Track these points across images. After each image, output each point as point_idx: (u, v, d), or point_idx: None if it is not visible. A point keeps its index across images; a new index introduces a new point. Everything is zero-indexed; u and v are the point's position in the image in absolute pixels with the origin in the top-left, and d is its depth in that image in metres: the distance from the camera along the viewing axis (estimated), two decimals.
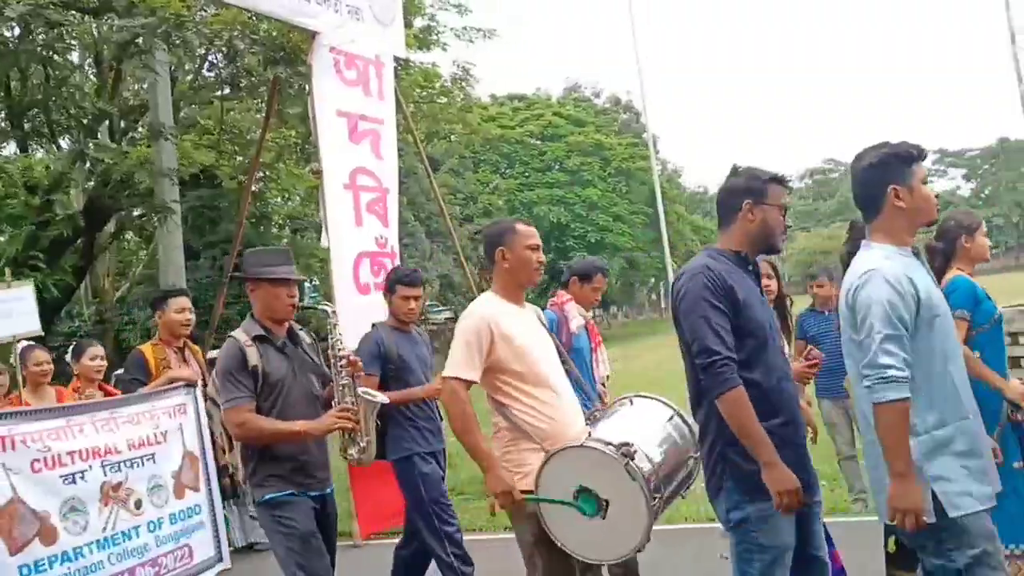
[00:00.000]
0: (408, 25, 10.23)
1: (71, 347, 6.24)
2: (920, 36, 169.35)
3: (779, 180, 3.23)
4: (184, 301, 5.65)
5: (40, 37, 7.84)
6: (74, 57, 12.08)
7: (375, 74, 7.33)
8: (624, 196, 44.48)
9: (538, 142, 44.67)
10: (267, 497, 3.75)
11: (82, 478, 4.43)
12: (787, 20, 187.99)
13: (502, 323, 3.48)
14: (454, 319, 35.32)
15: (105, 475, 4.54)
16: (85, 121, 10.51)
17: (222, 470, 5.48)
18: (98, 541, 4.45)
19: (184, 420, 5.10)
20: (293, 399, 3.82)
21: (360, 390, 3.93)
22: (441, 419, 4.92)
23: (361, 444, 3.89)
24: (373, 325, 4.81)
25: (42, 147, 13.32)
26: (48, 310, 12.63)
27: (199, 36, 8.08)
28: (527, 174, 43.86)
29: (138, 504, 4.68)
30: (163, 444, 4.90)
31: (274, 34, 9.66)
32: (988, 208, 75.25)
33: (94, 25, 11.54)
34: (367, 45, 7.26)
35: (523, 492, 3.31)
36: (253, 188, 10.26)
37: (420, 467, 4.66)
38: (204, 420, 5.20)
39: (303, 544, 3.71)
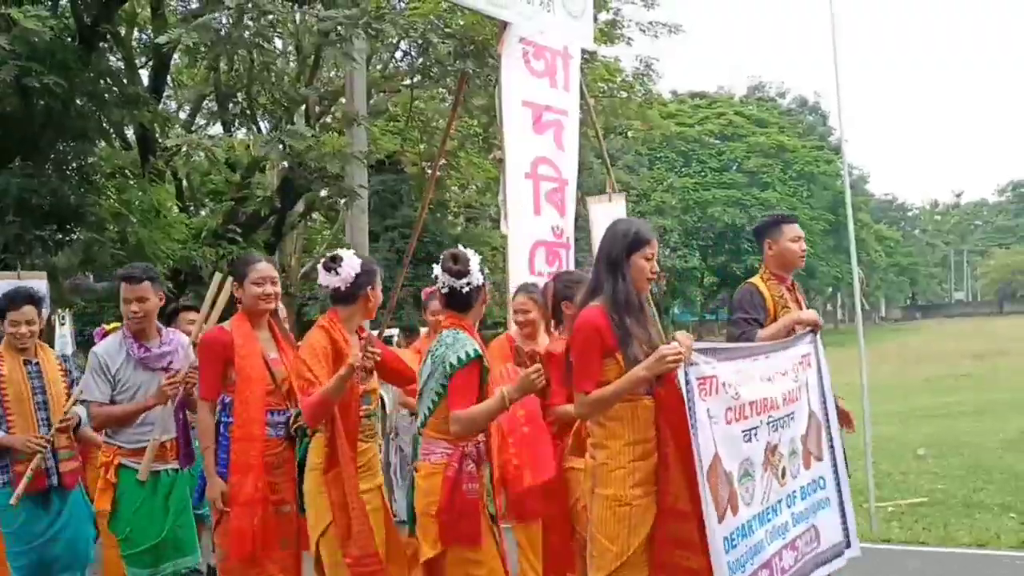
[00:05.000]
0: (593, 19, 10.24)
1: None
2: None
3: None
4: (797, 229, 4.71)
5: (251, 25, 8.34)
6: (278, 44, 12.80)
7: (562, 66, 7.38)
8: (805, 201, 42.95)
9: (717, 141, 43.80)
10: None
11: (755, 436, 3.68)
12: (992, 18, 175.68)
13: None
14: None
15: (768, 435, 3.75)
16: (285, 104, 11.14)
17: None
18: (758, 515, 3.66)
19: (810, 375, 4.23)
20: None
21: None
22: None
23: None
24: None
25: (244, 126, 14.19)
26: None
27: (395, 27, 8.40)
28: (703, 173, 43.09)
29: (782, 473, 3.84)
30: (798, 402, 4.05)
31: (464, 27, 9.93)
32: None
33: (298, 14, 12.19)
34: (556, 36, 7.33)
35: None
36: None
37: None
38: (828, 375, 4.34)
39: None
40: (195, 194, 15.59)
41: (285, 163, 11.28)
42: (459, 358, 3.53)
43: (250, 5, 7.72)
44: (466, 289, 3.69)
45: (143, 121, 10.42)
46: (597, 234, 6.04)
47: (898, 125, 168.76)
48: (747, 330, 4.33)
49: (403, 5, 10.51)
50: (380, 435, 4.18)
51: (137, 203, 10.49)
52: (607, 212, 6.83)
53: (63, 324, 13.74)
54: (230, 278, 4.31)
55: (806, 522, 3.99)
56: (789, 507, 3.87)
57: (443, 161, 11.04)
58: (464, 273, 3.68)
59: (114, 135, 12.02)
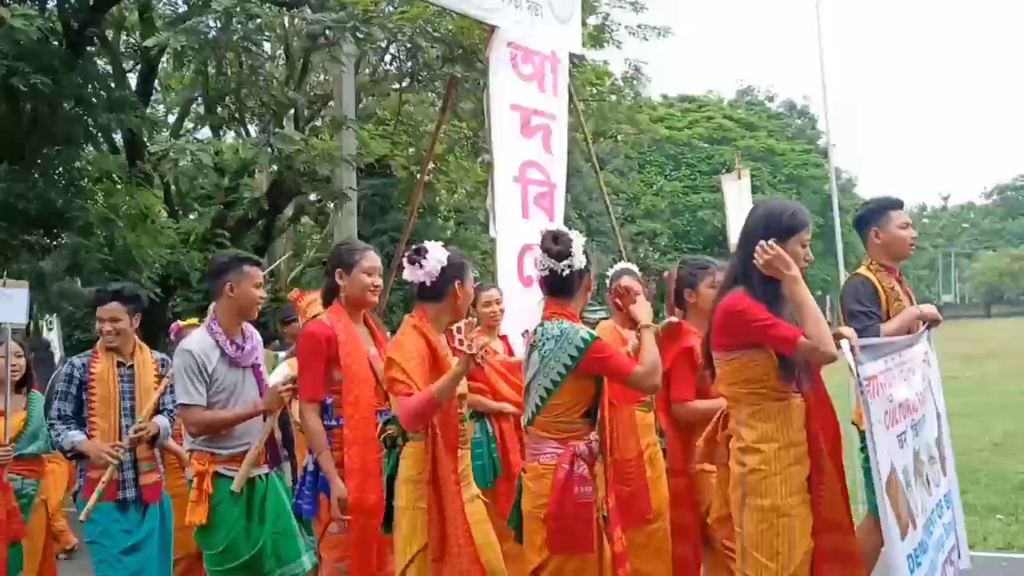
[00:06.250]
0: (582, 23, 10.26)
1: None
2: None
3: None
4: (905, 215, 4.41)
5: (239, 28, 8.33)
6: (266, 48, 12.78)
7: (550, 70, 7.40)
8: None
9: (706, 145, 43.87)
10: None
11: (906, 441, 3.33)
12: (978, 23, 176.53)
13: None
14: (608, 319, 35.23)
15: (912, 440, 3.41)
16: (274, 108, 11.13)
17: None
18: (924, 527, 3.32)
19: (931, 373, 3.86)
20: None
21: None
22: None
23: None
24: None
25: (233, 130, 14.16)
26: None
27: (384, 31, 8.40)
28: (693, 177, 43.13)
29: (927, 481, 3.50)
30: (927, 403, 3.70)
31: (453, 31, 9.93)
32: None
33: (286, 17, 12.18)
34: (544, 41, 7.34)
35: None
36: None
37: None
38: (938, 373, 3.91)
39: None
40: (183, 198, 15.53)
41: (274, 167, 11.28)
42: (578, 347, 3.22)
43: (238, 9, 7.71)
44: (566, 272, 3.37)
45: (131, 126, 10.39)
46: (732, 210, 5.99)
47: (886, 129, 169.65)
48: (868, 325, 3.85)
49: (392, 9, 10.49)
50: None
51: (124, 208, 10.45)
52: (738, 188, 6.84)
53: (51, 330, 13.70)
54: None
55: (952, 534, 3.65)
56: (940, 518, 3.52)
57: (432, 165, 11.03)
58: (565, 254, 3.36)
59: (101, 139, 11.98)
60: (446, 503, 3.33)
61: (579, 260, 3.38)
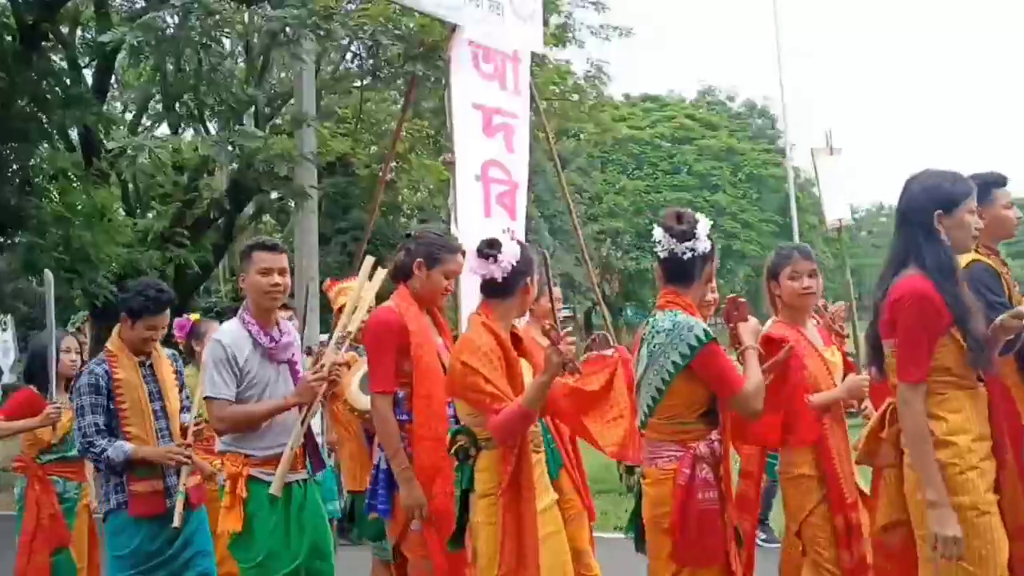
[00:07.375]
0: (544, 23, 10.28)
1: None
2: None
3: None
4: (1009, 193, 4.06)
5: (197, 24, 8.23)
6: (226, 44, 12.64)
7: (512, 69, 7.41)
8: (754, 203, 43.48)
9: (668, 144, 44.18)
10: None
11: None
12: (939, 25, 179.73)
13: None
14: (573, 317, 35.25)
15: None
16: (234, 106, 11.03)
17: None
18: None
19: None
20: None
21: None
22: None
23: None
24: None
25: (192, 127, 13.99)
26: (188, 285, 13.31)
27: (345, 28, 8.36)
28: (655, 176, 43.39)
29: None
30: None
31: (414, 29, 9.91)
32: None
33: (246, 14, 12.06)
34: (506, 39, 7.35)
35: None
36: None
37: None
38: None
39: None
40: (141, 197, 15.32)
41: (234, 165, 11.18)
42: (691, 346, 2.95)
43: (196, 5, 7.62)
44: (688, 255, 3.09)
45: (87, 122, 10.23)
46: (826, 184, 5.62)
47: (846, 129, 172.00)
48: (994, 311, 3.40)
49: (353, 7, 10.45)
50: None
51: (80, 206, 10.29)
52: (832, 163, 6.46)
53: (5, 330, 13.45)
54: (380, 268, 3.74)
55: None
56: None
57: (393, 163, 11.00)
58: (689, 235, 3.09)
59: (57, 136, 11.79)
60: (524, 520, 3.10)
61: (703, 244, 3.12)
